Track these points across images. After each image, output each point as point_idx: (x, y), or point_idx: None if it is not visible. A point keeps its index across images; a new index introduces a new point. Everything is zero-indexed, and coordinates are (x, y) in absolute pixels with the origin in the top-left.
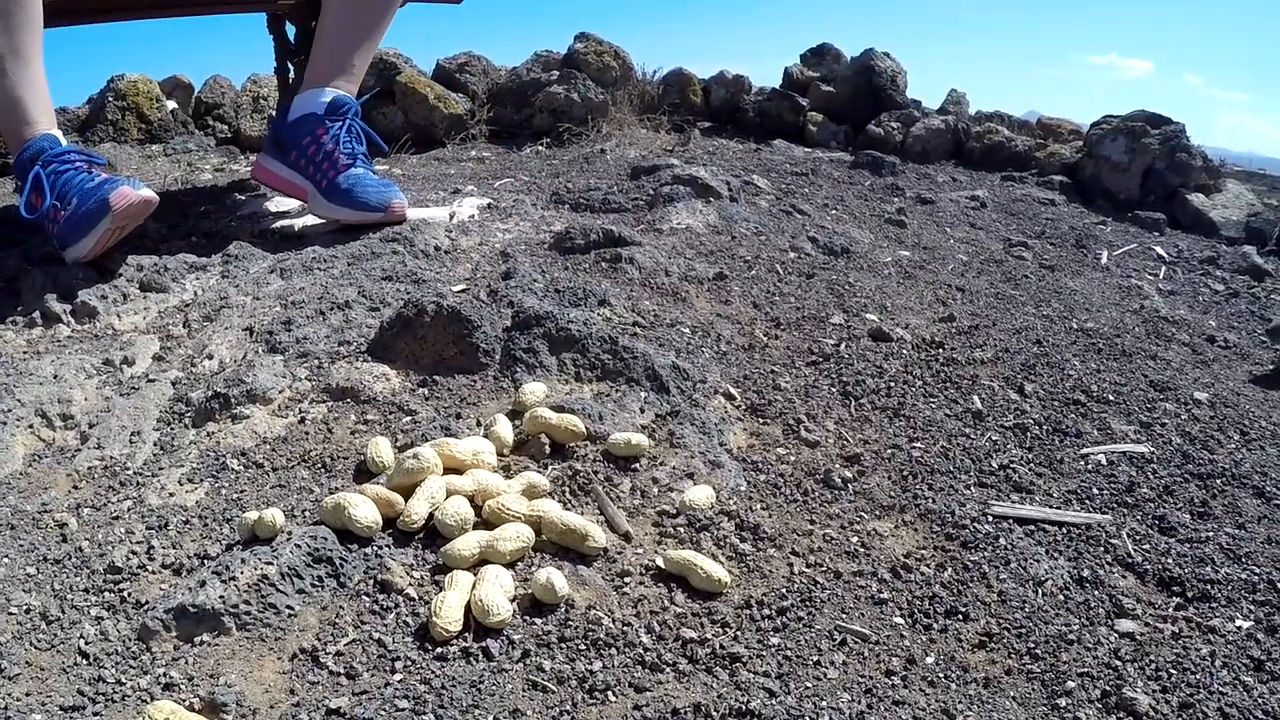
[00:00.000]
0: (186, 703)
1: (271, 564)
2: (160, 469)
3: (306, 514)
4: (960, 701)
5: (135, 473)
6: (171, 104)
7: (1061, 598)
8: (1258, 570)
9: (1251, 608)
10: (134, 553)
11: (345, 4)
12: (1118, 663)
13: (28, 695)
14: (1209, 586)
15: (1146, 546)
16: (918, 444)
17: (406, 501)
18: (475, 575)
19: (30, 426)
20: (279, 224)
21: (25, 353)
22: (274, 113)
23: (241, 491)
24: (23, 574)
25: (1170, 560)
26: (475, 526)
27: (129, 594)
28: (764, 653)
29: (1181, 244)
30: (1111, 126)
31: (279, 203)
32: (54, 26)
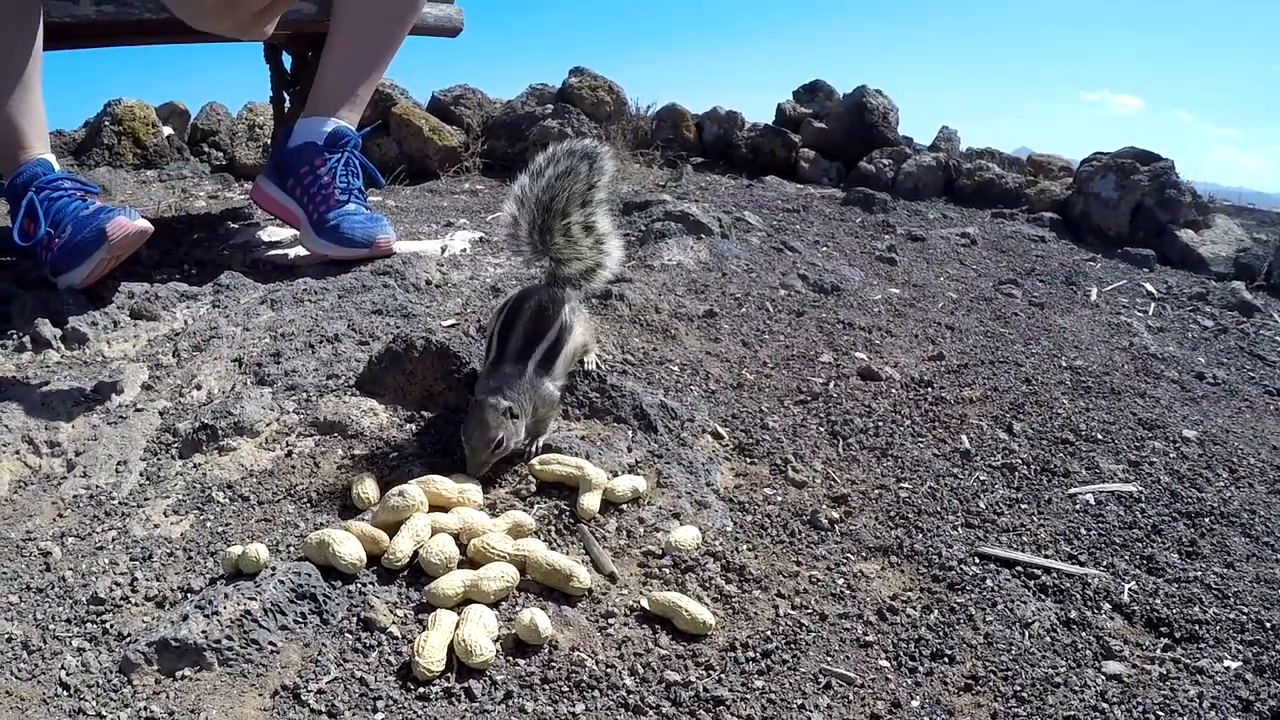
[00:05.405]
0: None
1: (255, 599)
2: (146, 499)
3: (292, 549)
4: None
5: (121, 502)
6: (168, 130)
7: (1048, 639)
8: (1246, 610)
9: (1240, 647)
10: (117, 584)
11: (353, 34)
12: (1105, 705)
13: None
14: (1197, 627)
15: (1134, 586)
16: (905, 484)
17: (391, 539)
18: (459, 614)
19: (17, 453)
20: (271, 253)
21: (14, 377)
22: (270, 141)
23: (227, 524)
24: (4, 602)
25: (1158, 600)
26: (460, 565)
27: (111, 625)
28: (748, 695)
29: (1171, 280)
30: (1101, 163)
31: (272, 232)
32: (53, 50)
